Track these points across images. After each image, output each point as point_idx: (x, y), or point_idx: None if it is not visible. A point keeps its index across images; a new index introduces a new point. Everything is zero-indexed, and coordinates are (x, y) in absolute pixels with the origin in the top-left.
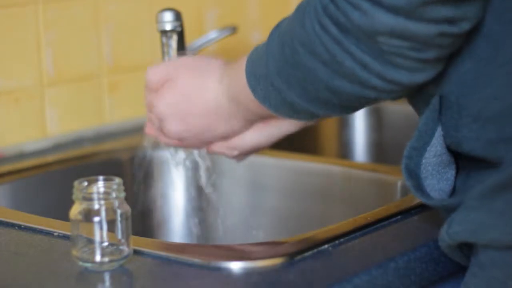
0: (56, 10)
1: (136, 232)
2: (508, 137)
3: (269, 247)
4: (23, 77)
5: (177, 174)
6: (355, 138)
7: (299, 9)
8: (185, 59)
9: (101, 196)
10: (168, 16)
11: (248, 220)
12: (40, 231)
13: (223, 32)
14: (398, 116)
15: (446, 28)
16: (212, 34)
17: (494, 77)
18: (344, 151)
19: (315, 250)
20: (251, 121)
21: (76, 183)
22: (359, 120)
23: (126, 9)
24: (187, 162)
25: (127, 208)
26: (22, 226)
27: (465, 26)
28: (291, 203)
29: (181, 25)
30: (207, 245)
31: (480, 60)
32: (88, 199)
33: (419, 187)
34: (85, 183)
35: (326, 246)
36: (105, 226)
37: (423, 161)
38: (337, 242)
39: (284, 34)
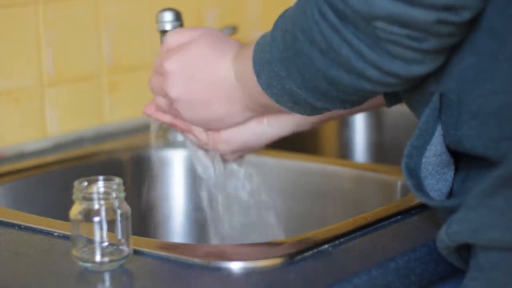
0: (56, 10)
1: (136, 232)
2: (510, 135)
3: (269, 247)
4: (23, 77)
5: (177, 174)
6: (355, 138)
7: None
8: (209, 30)
9: (101, 196)
10: (168, 16)
11: (248, 220)
12: (40, 231)
13: (223, 32)
14: (398, 116)
15: (445, 16)
16: None
17: (496, 72)
18: (344, 151)
19: (315, 250)
20: (249, 111)
21: (76, 183)
22: (359, 120)
23: (126, 9)
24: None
25: (127, 208)
26: (22, 226)
27: (466, 16)
28: (291, 203)
29: (181, 25)
30: (207, 245)
31: (481, 55)
32: (88, 199)
33: (420, 187)
34: (85, 183)
35: (326, 246)
36: (105, 226)
37: (423, 160)
38: (337, 242)
39: (287, 21)
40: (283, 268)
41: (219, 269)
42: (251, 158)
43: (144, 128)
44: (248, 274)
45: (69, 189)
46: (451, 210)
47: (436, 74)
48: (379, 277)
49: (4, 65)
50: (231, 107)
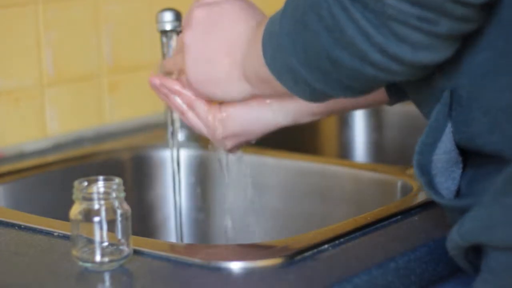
0: (56, 10)
1: (136, 232)
2: None
3: (269, 247)
4: (23, 77)
5: (177, 174)
6: (355, 138)
7: None
8: None
9: (101, 196)
10: (168, 16)
11: (248, 220)
12: (40, 231)
13: None
14: (398, 116)
15: None
16: None
17: (509, 67)
18: (344, 151)
19: (315, 250)
20: (246, 83)
21: (76, 183)
22: (359, 120)
23: (126, 9)
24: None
25: (127, 208)
26: (22, 226)
27: None
28: (291, 203)
29: (181, 25)
30: (207, 245)
31: (495, 50)
32: (88, 199)
33: (431, 185)
34: (85, 183)
35: (326, 246)
36: (105, 226)
37: (434, 157)
38: (337, 242)
39: None
40: (283, 268)
41: (219, 269)
42: (251, 158)
43: (144, 128)
44: (248, 274)
45: (69, 189)
46: (461, 209)
47: (447, 70)
48: (379, 277)
49: (4, 65)
50: (230, 69)
